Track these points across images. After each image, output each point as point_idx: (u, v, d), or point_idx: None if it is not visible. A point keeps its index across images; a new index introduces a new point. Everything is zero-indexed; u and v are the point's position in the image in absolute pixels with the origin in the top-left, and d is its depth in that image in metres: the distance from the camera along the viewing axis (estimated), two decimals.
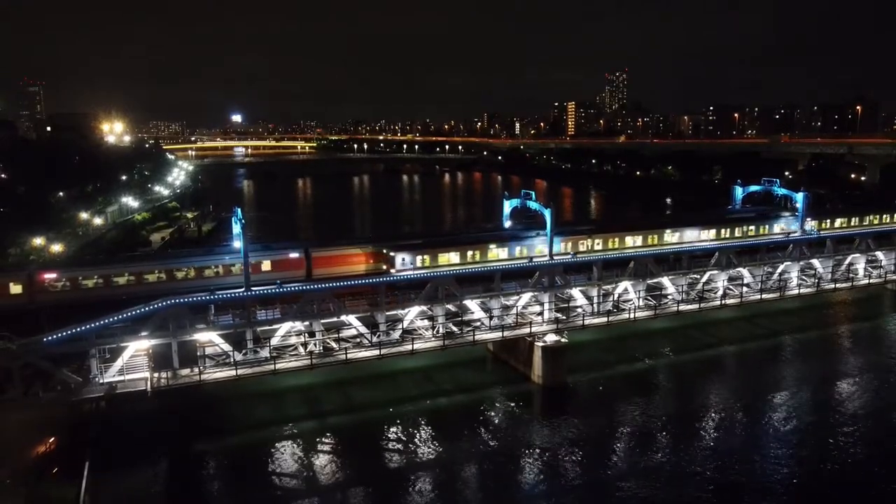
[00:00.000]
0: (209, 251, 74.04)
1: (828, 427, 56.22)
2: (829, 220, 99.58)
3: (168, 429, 54.54)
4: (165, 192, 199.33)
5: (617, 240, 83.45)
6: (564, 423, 57.59)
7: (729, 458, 50.96)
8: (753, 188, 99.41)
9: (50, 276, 61.56)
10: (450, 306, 64.29)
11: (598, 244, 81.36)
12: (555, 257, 71.62)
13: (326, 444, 53.53)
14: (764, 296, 78.01)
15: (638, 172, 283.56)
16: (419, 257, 70.97)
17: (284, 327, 57.90)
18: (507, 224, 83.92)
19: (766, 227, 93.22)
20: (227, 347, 55.33)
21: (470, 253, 74.16)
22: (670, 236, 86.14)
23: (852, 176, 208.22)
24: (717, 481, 47.98)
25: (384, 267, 70.86)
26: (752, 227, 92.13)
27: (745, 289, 77.90)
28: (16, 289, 59.76)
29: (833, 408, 60.50)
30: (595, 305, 69.47)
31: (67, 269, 64.40)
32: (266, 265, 67.72)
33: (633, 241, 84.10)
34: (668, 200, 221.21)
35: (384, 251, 71.56)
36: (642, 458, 51.26)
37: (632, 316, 69.82)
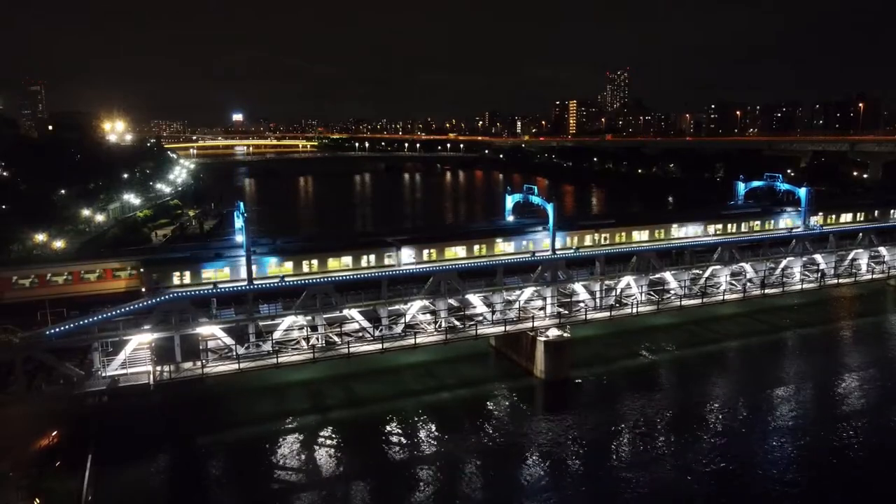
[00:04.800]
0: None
1: (830, 422, 56.08)
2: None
3: (170, 422, 54.59)
4: (167, 189, 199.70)
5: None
6: (566, 418, 57.50)
7: (731, 453, 50.85)
8: (756, 184, 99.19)
9: None
10: (452, 301, 64.21)
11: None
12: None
13: (328, 439, 53.48)
14: (766, 291, 77.85)
15: (640, 170, 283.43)
16: (175, 274, 61.67)
17: (287, 321, 57.87)
18: (510, 219, 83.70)
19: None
20: (229, 341, 55.31)
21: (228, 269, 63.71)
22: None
23: (854, 173, 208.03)
24: (720, 476, 47.88)
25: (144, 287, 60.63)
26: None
27: (747, 284, 77.75)
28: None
29: (836, 403, 60.40)
30: (597, 300, 69.36)
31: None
32: None
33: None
34: (670, 198, 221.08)
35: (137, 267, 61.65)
36: (644, 453, 51.16)
37: (634, 311, 69.72)
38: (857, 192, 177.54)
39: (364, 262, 67.77)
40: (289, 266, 65.03)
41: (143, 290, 59.36)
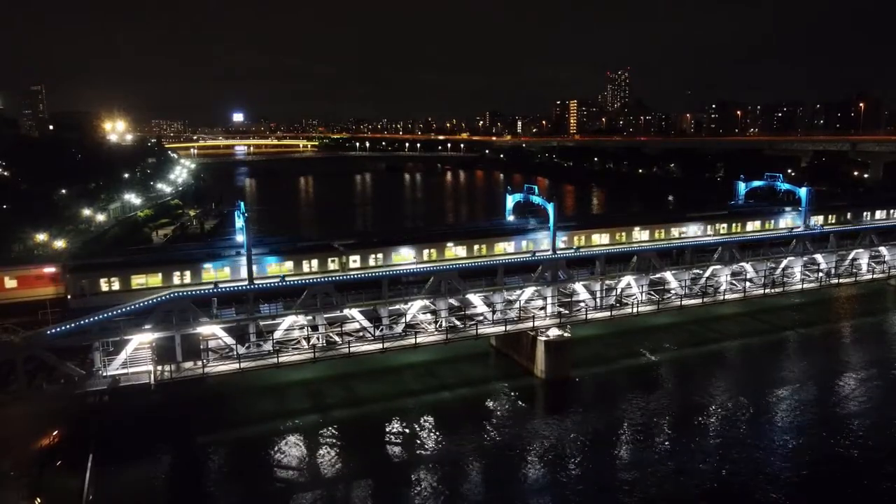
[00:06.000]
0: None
1: (831, 422, 56.13)
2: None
3: (171, 422, 54.56)
4: (168, 189, 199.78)
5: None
6: (567, 418, 57.53)
7: (732, 452, 50.87)
8: (756, 184, 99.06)
9: None
10: (453, 300, 64.21)
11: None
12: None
13: (329, 438, 53.50)
14: (767, 291, 77.80)
15: (640, 170, 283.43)
16: (103, 280, 58.42)
17: (287, 321, 57.90)
18: (511, 218, 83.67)
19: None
20: (230, 341, 55.34)
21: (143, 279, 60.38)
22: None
23: (855, 173, 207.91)
24: (721, 476, 47.90)
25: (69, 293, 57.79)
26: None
27: (747, 284, 77.70)
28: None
29: (836, 403, 60.38)
30: (598, 300, 69.35)
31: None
32: None
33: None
34: (671, 198, 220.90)
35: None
36: (645, 453, 51.18)
37: (635, 310, 69.70)
38: (860, 191, 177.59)
39: (306, 268, 65.26)
40: (227, 271, 62.43)
41: (69, 297, 56.85)
